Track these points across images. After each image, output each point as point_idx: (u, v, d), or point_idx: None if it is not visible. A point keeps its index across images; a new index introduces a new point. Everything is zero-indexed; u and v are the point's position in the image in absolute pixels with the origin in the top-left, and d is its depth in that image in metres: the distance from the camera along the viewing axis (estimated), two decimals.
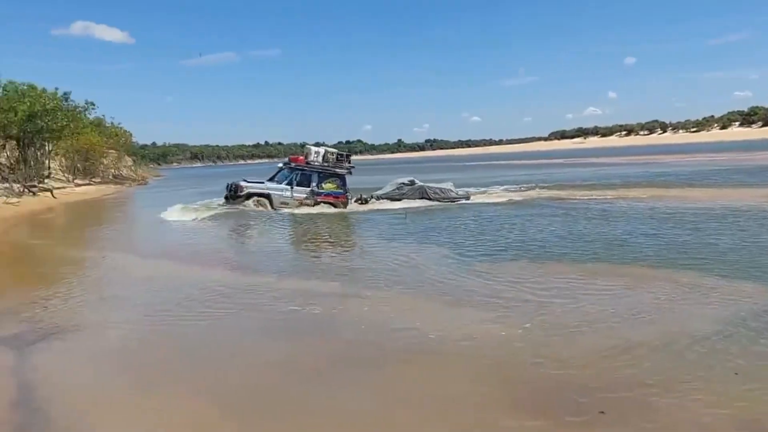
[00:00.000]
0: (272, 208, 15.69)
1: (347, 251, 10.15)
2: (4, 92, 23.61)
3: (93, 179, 34.96)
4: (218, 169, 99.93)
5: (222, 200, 16.60)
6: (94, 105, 30.56)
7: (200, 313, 5.80)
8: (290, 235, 12.67)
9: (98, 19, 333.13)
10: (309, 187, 16.23)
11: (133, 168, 55.02)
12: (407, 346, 4.67)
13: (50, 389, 4.00)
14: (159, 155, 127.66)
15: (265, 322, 5.58)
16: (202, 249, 10.36)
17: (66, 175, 31.32)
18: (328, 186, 16.42)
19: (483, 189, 20.72)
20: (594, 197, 16.56)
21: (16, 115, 22.63)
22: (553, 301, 5.70)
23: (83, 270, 8.85)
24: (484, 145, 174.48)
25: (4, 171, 22.25)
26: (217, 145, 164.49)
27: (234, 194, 16.12)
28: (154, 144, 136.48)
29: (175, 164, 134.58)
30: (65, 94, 27.29)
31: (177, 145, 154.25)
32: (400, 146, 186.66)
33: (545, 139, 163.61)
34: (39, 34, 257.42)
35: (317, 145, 17.38)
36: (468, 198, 17.35)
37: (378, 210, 15.82)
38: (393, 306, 5.85)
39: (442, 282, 6.80)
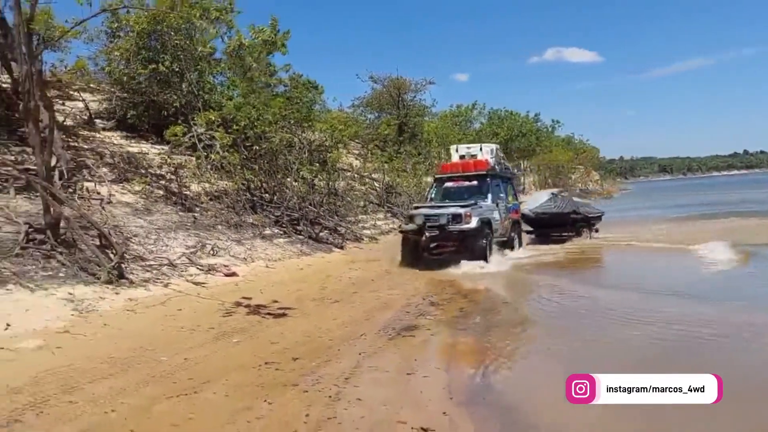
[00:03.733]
0: (491, 236, 9.67)
1: None
2: (489, 120, 27.90)
3: (562, 193, 36.65)
4: (687, 181, 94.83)
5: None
6: (560, 123, 32.13)
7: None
8: None
9: (569, 43, 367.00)
10: (504, 200, 10.78)
11: (599, 182, 55.25)
12: None
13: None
14: (626, 169, 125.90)
15: None
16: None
17: (538, 189, 34.12)
18: (511, 196, 11.44)
19: None
20: None
21: (497, 137, 26.22)
22: None
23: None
24: None
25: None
26: (687, 157, 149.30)
27: (456, 224, 9.28)
28: (621, 158, 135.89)
29: (642, 177, 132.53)
30: (536, 115, 29.77)
31: (644, 159, 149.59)
32: None
33: None
34: (518, 64, 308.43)
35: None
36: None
37: None
38: None
39: None
